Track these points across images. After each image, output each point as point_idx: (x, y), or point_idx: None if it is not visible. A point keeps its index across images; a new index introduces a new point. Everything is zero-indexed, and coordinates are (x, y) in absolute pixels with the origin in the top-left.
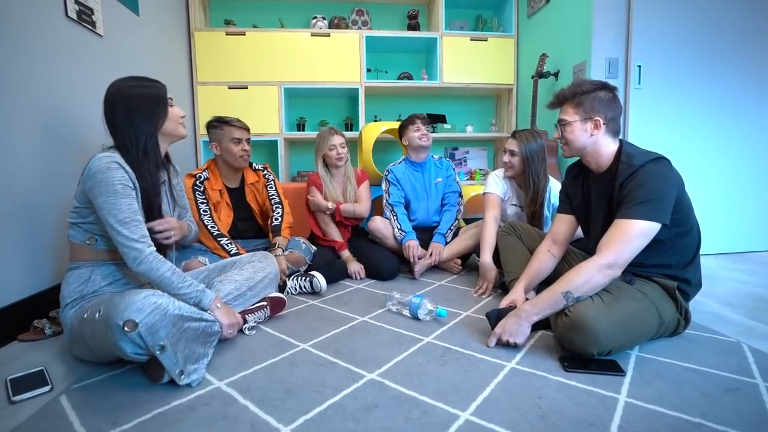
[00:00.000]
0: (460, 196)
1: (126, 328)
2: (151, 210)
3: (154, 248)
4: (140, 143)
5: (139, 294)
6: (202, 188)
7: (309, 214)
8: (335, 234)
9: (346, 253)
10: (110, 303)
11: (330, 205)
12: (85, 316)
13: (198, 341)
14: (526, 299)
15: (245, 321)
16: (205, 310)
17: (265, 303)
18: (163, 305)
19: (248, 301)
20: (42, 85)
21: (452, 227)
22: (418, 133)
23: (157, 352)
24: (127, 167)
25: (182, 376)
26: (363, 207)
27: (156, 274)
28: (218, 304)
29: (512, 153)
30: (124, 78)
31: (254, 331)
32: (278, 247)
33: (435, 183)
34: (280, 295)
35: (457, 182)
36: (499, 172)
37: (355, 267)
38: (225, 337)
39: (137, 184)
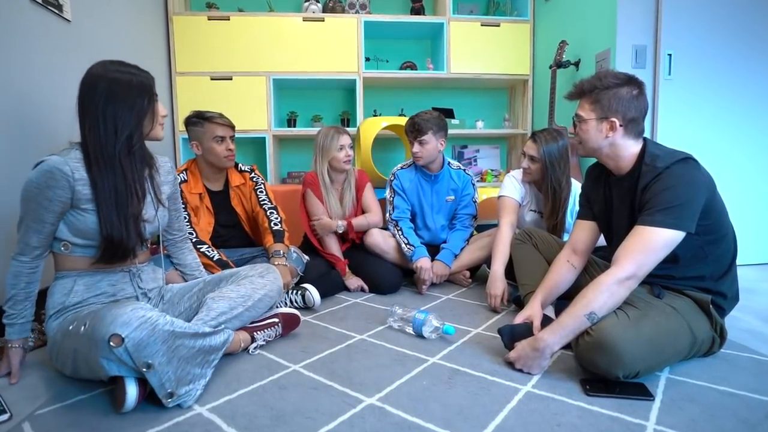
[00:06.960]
0: (474, 218)
1: (112, 344)
2: (123, 217)
3: (28, 261)
4: (120, 137)
5: (126, 306)
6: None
7: (304, 217)
8: (334, 247)
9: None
10: (96, 317)
11: (341, 224)
12: (71, 328)
13: (193, 361)
14: (544, 315)
15: (253, 339)
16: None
17: (276, 319)
18: (153, 319)
19: (244, 323)
20: (1, 74)
21: (463, 248)
22: (412, 149)
23: (144, 370)
24: (78, 173)
25: (170, 399)
26: (376, 216)
27: (8, 275)
28: None
29: (532, 159)
30: (111, 61)
31: (257, 351)
32: (283, 255)
33: (446, 201)
34: (295, 311)
35: (475, 202)
36: (517, 174)
37: (355, 283)
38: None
39: (92, 194)
